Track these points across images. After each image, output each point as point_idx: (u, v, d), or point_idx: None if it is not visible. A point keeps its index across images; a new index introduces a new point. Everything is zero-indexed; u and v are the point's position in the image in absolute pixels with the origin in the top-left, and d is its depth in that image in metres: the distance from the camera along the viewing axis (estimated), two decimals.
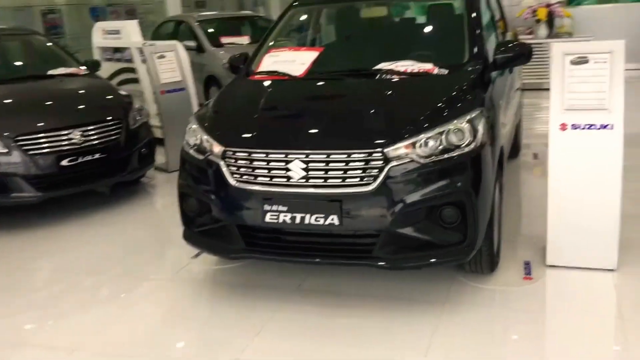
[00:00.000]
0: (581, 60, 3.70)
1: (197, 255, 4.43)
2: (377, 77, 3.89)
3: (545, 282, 3.74)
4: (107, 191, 5.90)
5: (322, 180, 3.31)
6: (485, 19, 4.46)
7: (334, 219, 3.30)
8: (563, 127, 3.74)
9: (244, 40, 9.77)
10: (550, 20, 10.17)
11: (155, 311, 3.79)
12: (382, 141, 3.28)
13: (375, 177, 3.24)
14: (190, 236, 3.86)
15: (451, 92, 3.63)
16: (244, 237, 3.57)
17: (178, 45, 7.08)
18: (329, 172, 3.30)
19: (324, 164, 3.30)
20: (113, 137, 5.53)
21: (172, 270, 4.28)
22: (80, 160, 5.27)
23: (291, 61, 4.23)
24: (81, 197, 5.68)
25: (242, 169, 3.48)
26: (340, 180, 3.29)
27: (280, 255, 3.55)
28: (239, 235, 3.57)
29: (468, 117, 3.38)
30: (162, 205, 6.06)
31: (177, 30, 10.42)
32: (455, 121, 3.35)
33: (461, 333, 3.26)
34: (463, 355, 3.09)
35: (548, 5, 9.99)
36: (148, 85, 8.13)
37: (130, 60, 8.30)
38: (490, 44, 4.25)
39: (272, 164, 3.39)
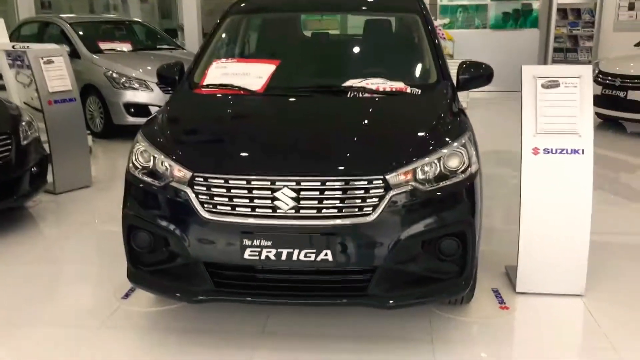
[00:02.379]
0: (552, 84, 3.66)
1: (127, 296, 3.80)
2: (349, 94, 3.57)
3: (522, 310, 3.62)
4: None
5: (315, 210, 2.91)
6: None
7: (327, 255, 2.92)
8: (535, 151, 3.68)
9: (125, 47, 8.97)
10: None
11: None
12: (383, 167, 2.96)
13: (375, 207, 2.91)
14: (138, 277, 3.25)
15: (436, 114, 3.40)
16: (212, 276, 3.06)
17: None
18: (324, 202, 2.91)
19: (318, 193, 2.91)
20: (2, 156, 4.65)
21: (99, 315, 3.59)
22: None
23: (243, 74, 3.78)
24: None
25: (215, 198, 2.97)
26: (335, 210, 2.91)
27: (257, 297, 3.08)
28: (206, 275, 3.06)
29: (462, 141, 3.17)
30: (55, 235, 5.21)
31: (42, 32, 9.32)
32: (450, 146, 3.12)
33: None
34: None
35: None
36: (16, 94, 7.15)
37: None
38: None
39: (256, 192, 2.93)
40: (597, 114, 9.68)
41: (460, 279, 3.09)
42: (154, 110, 8.11)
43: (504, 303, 3.68)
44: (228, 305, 3.52)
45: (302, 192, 2.91)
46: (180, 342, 3.31)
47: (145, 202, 3.19)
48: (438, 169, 3.04)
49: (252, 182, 2.93)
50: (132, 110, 8.14)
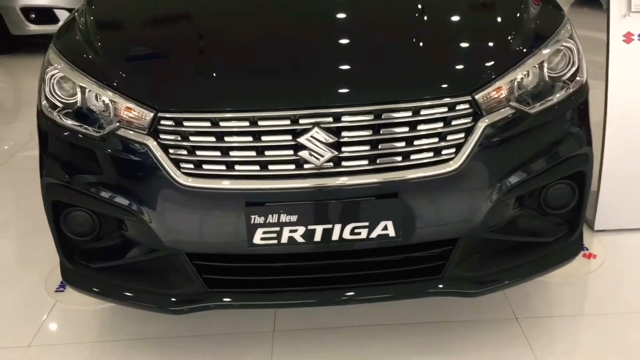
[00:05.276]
0: None
1: (64, 286, 2.64)
2: None
3: (613, 257, 2.69)
4: None
5: (367, 161, 1.79)
6: None
7: (387, 228, 1.83)
8: (628, 37, 2.65)
9: None
10: None
11: None
12: (467, 82, 1.84)
13: (460, 147, 1.82)
14: (78, 277, 2.08)
15: None
16: (202, 272, 1.94)
17: None
18: (380, 146, 1.79)
19: (370, 132, 1.77)
20: None
21: (25, 327, 2.42)
22: None
23: None
24: None
25: (199, 152, 1.79)
26: (399, 158, 1.80)
27: (275, 299, 1.98)
28: (192, 272, 1.94)
29: (565, 34, 2.07)
30: None
31: None
32: (551, 42, 2.01)
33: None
34: None
35: None
36: None
37: None
38: None
39: (267, 139, 1.77)
40: None
41: (571, 240, 2.10)
42: (60, 14, 6.58)
43: (587, 249, 2.74)
44: None
45: (343, 133, 1.77)
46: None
47: (75, 162, 1.97)
48: (539, 79, 1.95)
49: (260, 122, 1.76)
50: (33, 15, 6.54)
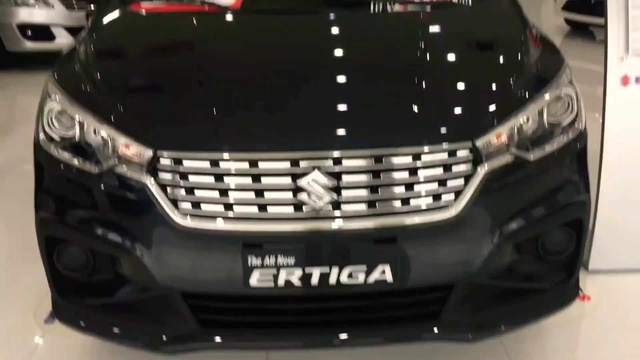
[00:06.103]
0: None
1: (53, 317, 2.58)
2: (373, 8, 2.37)
3: (609, 299, 2.69)
4: None
5: (366, 205, 1.78)
6: None
7: (384, 272, 1.82)
8: (625, 80, 2.67)
9: None
10: None
11: None
12: (469, 128, 1.85)
13: (459, 193, 1.82)
14: (70, 314, 2.06)
15: (515, 38, 2.26)
16: (195, 311, 1.92)
17: None
18: (379, 190, 1.78)
19: (370, 176, 1.77)
20: None
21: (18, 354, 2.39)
22: None
23: None
24: None
25: (197, 193, 1.78)
26: (398, 203, 1.80)
27: (271, 341, 1.96)
28: (186, 311, 1.91)
29: (564, 79, 2.09)
30: None
31: None
32: (550, 87, 2.03)
33: None
34: None
35: None
36: None
37: None
38: None
39: (266, 180, 1.76)
40: (566, 20, 8.87)
41: (568, 285, 2.10)
42: (57, 32, 6.59)
43: (581, 291, 2.73)
44: None
45: (344, 177, 1.76)
46: None
47: (71, 197, 1.95)
48: (538, 125, 1.96)
49: (260, 164, 1.75)
50: (29, 32, 6.55)
